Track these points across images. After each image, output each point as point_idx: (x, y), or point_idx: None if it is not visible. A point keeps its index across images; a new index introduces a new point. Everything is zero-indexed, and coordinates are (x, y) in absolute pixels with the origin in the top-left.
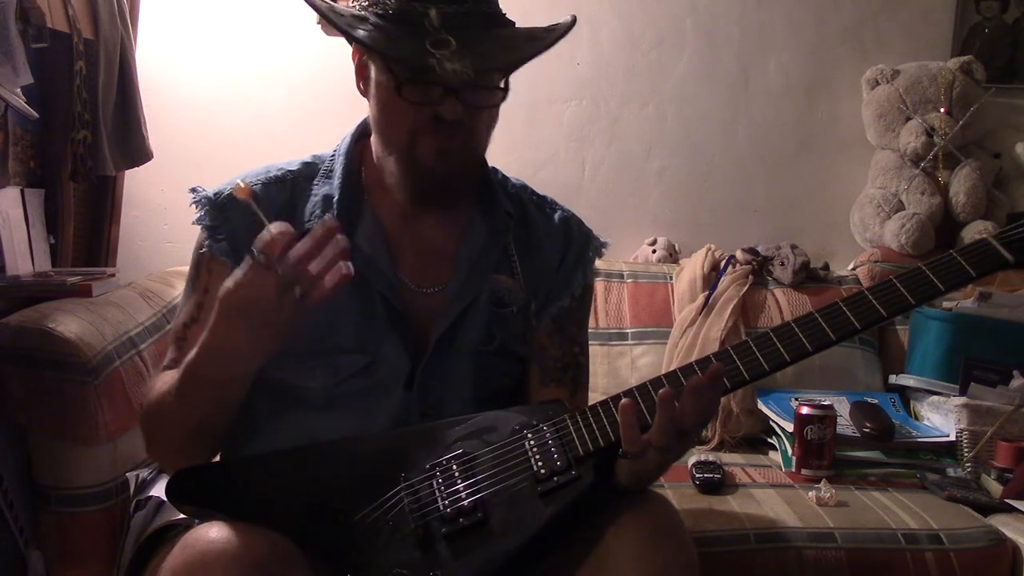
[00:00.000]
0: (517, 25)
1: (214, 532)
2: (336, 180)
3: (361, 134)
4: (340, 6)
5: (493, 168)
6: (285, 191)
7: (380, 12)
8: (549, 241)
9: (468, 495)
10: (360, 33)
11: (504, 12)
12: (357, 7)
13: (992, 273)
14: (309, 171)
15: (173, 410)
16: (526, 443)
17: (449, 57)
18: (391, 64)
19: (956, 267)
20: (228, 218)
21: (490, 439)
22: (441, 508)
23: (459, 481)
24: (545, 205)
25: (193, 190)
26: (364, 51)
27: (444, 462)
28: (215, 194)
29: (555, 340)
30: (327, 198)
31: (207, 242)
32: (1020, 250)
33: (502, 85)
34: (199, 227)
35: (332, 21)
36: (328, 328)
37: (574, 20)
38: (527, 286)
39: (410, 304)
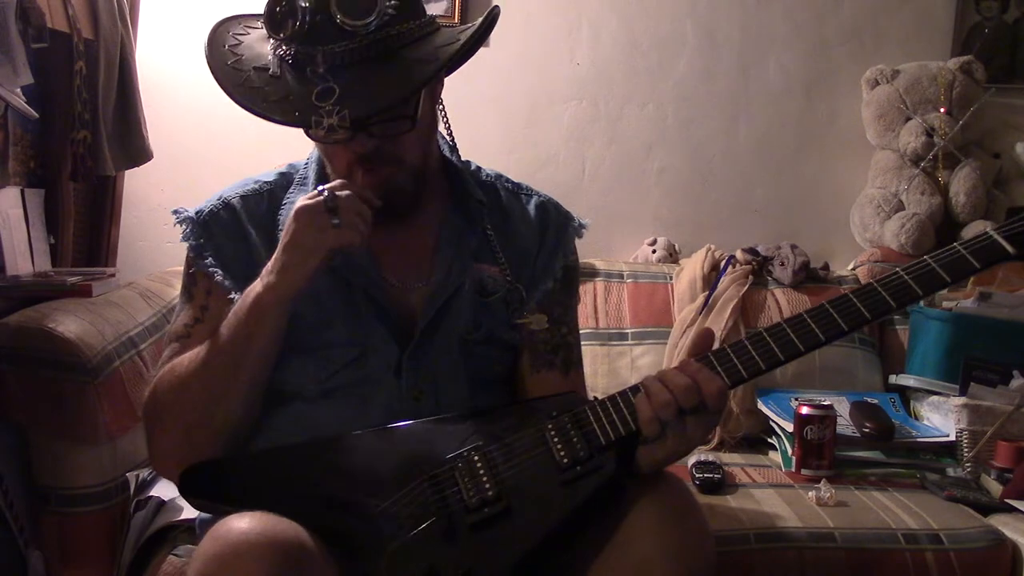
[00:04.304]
0: (491, 20)
1: (245, 523)
2: (310, 187)
3: None
4: (246, 54)
5: (466, 161)
6: (263, 202)
7: (281, 55)
8: (525, 226)
9: (491, 485)
10: (247, 94)
11: (417, 22)
12: (271, 44)
13: (994, 265)
14: (285, 181)
15: (192, 381)
16: (547, 433)
17: (328, 111)
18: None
19: (960, 260)
20: (212, 235)
21: (510, 430)
22: (465, 498)
23: (481, 471)
24: (520, 192)
25: (175, 212)
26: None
27: (465, 453)
28: (196, 213)
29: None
30: None
31: (196, 261)
32: (1021, 243)
33: (409, 112)
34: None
35: (224, 87)
36: (319, 328)
37: (495, 14)
38: (511, 273)
39: (394, 300)
